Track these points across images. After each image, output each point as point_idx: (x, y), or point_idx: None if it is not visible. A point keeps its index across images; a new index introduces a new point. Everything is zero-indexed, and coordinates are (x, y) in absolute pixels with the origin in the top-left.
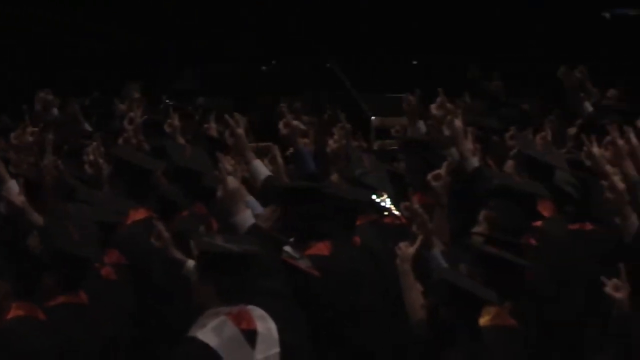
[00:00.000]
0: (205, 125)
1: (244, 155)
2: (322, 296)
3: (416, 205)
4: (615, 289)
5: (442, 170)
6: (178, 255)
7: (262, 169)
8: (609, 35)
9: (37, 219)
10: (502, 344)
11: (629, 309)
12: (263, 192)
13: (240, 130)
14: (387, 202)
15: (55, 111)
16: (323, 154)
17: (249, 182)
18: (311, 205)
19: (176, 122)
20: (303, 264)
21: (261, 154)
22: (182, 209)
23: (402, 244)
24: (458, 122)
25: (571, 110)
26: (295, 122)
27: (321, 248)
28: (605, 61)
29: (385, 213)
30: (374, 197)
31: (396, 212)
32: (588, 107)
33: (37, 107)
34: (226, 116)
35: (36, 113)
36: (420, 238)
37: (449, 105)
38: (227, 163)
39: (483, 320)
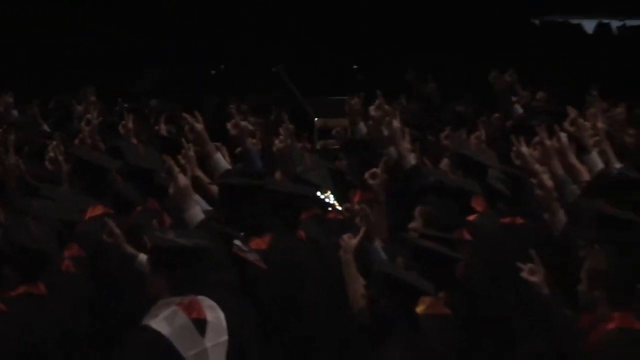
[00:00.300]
0: (156, 127)
1: (205, 150)
2: (265, 287)
3: (356, 204)
4: (530, 273)
5: (379, 169)
6: (129, 249)
7: (222, 162)
8: (539, 40)
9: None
10: (437, 331)
11: (546, 291)
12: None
13: (200, 126)
14: (330, 198)
15: (15, 113)
16: (269, 153)
17: (198, 180)
18: (252, 201)
19: (130, 123)
20: (252, 256)
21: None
22: (137, 205)
23: (345, 236)
24: (396, 123)
25: (502, 112)
26: (243, 123)
27: (259, 243)
28: (534, 65)
29: (329, 208)
30: (318, 193)
31: (339, 208)
32: (518, 109)
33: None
34: (184, 114)
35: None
36: (362, 231)
37: (387, 107)
38: (177, 161)
39: (419, 309)
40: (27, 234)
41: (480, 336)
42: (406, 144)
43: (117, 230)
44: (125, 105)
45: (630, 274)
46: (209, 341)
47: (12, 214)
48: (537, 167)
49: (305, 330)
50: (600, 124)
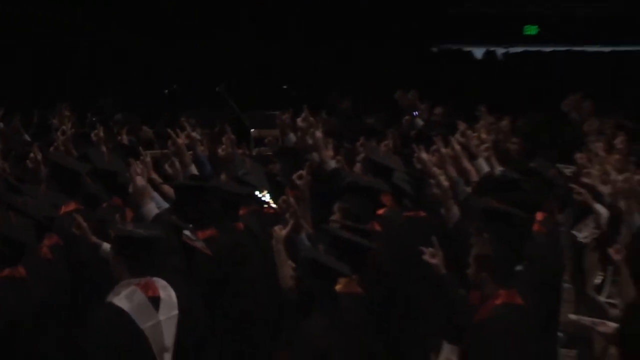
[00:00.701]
0: (119, 137)
1: (183, 160)
2: (209, 270)
3: (289, 198)
4: (431, 256)
5: (304, 171)
6: (95, 240)
7: (194, 172)
8: (436, 64)
9: None
10: (352, 306)
11: (443, 271)
12: None
13: (180, 141)
14: (266, 197)
15: (0, 125)
16: (215, 159)
17: (154, 181)
18: (201, 198)
19: (101, 133)
20: (199, 244)
21: (166, 158)
22: (103, 202)
23: (276, 228)
24: (318, 134)
25: (405, 125)
26: (193, 134)
27: (205, 233)
28: (432, 85)
29: (265, 205)
30: (256, 192)
31: (273, 204)
32: (419, 122)
33: None
34: (169, 131)
35: None
36: (291, 223)
37: (311, 119)
38: (137, 166)
39: (338, 288)
40: (8, 226)
41: (388, 311)
42: (328, 151)
43: (84, 224)
44: (94, 118)
45: (510, 258)
46: (162, 315)
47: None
48: (435, 170)
49: (243, 305)
50: (484, 135)
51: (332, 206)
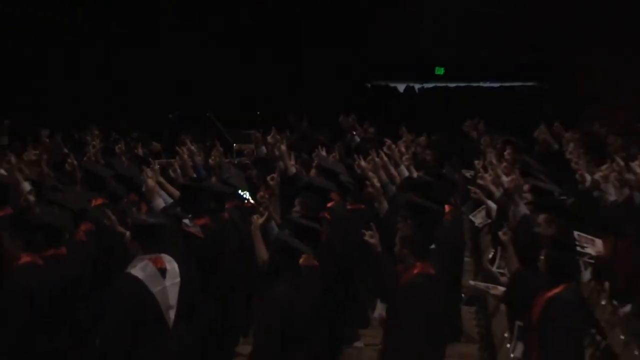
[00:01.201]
0: (135, 150)
1: (186, 171)
2: (202, 249)
3: (264, 196)
4: (370, 237)
5: (275, 175)
6: (120, 229)
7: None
8: (369, 96)
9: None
10: (310, 275)
11: (379, 249)
12: None
13: (185, 156)
14: (246, 194)
15: (47, 141)
16: (208, 166)
17: (161, 183)
18: (197, 196)
19: (122, 147)
20: (194, 230)
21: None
22: (123, 198)
23: (254, 217)
24: (283, 147)
25: (347, 140)
26: (192, 147)
27: (200, 221)
28: (367, 112)
29: (245, 200)
30: (239, 191)
31: (251, 200)
32: (357, 139)
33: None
34: (177, 148)
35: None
36: (265, 214)
37: (277, 137)
38: (148, 172)
39: (300, 262)
40: (53, 216)
41: (336, 278)
42: (290, 160)
43: (113, 216)
44: (117, 136)
45: (426, 239)
46: (167, 282)
47: (44, 203)
48: (370, 174)
49: (228, 275)
50: (404, 149)
51: (294, 201)
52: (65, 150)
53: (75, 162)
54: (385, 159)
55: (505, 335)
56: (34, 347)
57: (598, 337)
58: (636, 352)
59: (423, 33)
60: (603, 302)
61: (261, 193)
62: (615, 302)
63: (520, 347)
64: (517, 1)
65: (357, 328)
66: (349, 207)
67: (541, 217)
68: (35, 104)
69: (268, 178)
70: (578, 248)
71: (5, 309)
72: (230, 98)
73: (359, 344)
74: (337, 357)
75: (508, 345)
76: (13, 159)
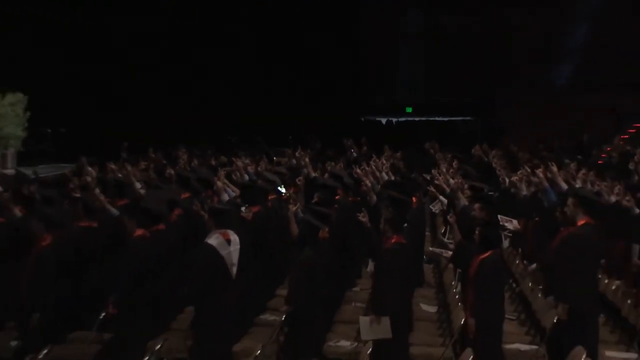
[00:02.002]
0: (210, 161)
1: (241, 174)
2: (251, 228)
3: (294, 192)
4: (363, 217)
5: (301, 178)
6: (201, 213)
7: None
8: (362, 128)
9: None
10: (322, 245)
11: (369, 227)
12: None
13: (241, 169)
14: (282, 190)
15: (152, 155)
16: (257, 172)
17: (226, 184)
18: (250, 191)
19: (201, 159)
20: (247, 214)
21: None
22: (202, 193)
23: (289, 206)
24: (306, 159)
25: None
26: (246, 161)
27: (253, 209)
28: (361, 137)
29: (282, 195)
30: (278, 188)
31: (285, 194)
32: (354, 154)
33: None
34: (233, 159)
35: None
36: (299, 204)
37: (302, 152)
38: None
39: (319, 235)
40: (154, 203)
41: (342, 246)
42: (310, 168)
43: (198, 205)
44: (197, 152)
45: (400, 220)
46: (231, 248)
47: (150, 196)
48: (363, 178)
49: (271, 244)
50: (384, 161)
51: (313, 195)
52: (164, 162)
53: (171, 170)
54: (373, 167)
55: (452, 282)
56: (143, 290)
57: (514, 285)
58: (539, 295)
59: (397, 85)
60: (517, 262)
61: (292, 190)
62: (525, 262)
63: (459, 287)
64: (458, 64)
65: (355, 278)
66: (350, 199)
67: (476, 206)
68: (143, 129)
69: (296, 180)
70: (500, 225)
71: (127, 265)
72: (272, 127)
73: (356, 288)
74: (342, 297)
75: (454, 290)
76: (129, 168)
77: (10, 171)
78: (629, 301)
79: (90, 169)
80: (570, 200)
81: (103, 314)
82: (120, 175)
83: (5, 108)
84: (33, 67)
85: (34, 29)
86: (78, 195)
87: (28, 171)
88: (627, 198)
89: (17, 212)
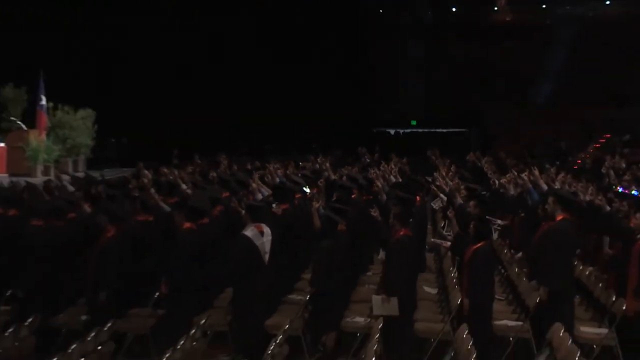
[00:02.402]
0: (246, 166)
1: (273, 177)
2: (280, 222)
3: (316, 192)
4: (374, 213)
5: (322, 180)
6: (239, 209)
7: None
8: (375, 138)
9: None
10: (342, 237)
11: (379, 219)
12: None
13: (273, 174)
14: (307, 190)
15: (198, 161)
16: (286, 176)
17: (259, 185)
18: (281, 191)
19: (239, 164)
20: (277, 210)
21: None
22: (239, 193)
23: (313, 203)
24: (327, 164)
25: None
26: (276, 165)
27: (282, 206)
28: (373, 145)
29: (306, 194)
30: (303, 188)
31: (309, 193)
32: (367, 160)
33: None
34: (266, 164)
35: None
36: (320, 202)
37: (323, 159)
38: (254, 181)
39: (338, 228)
40: (199, 201)
41: (357, 236)
42: (331, 172)
43: (236, 202)
44: (235, 158)
45: (407, 215)
46: (264, 239)
47: (196, 194)
48: (376, 180)
49: (296, 239)
50: (393, 166)
51: (333, 195)
52: (208, 166)
53: (213, 173)
54: (383, 171)
55: (450, 268)
56: (190, 274)
57: (502, 271)
58: (524, 279)
59: (404, 103)
60: (505, 251)
61: (314, 190)
62: (512, 251)
63: (456, 272)
64: (454, 85)
65: (368, 264)
66: (363, 198)
67: (471, 203)
68: (191, 139)
69: (318, 182)
70: (491, 221)
71: (177, 252)
72: (300, 137)
73: (369, 273)
74: (357, 280)
75: (452, 275)
76: (177, 172)
77: (81, 174)
78: (600, 284)
79: (146, 172)
80: (550, 199)
81: (157, 294)
82: (171, 177)
83: (78, 122)
84: (100, 87)
85: (99, 60)
86: (136, 194)
87: (96, 174)
88: (599, 197)
89: (87, 208)
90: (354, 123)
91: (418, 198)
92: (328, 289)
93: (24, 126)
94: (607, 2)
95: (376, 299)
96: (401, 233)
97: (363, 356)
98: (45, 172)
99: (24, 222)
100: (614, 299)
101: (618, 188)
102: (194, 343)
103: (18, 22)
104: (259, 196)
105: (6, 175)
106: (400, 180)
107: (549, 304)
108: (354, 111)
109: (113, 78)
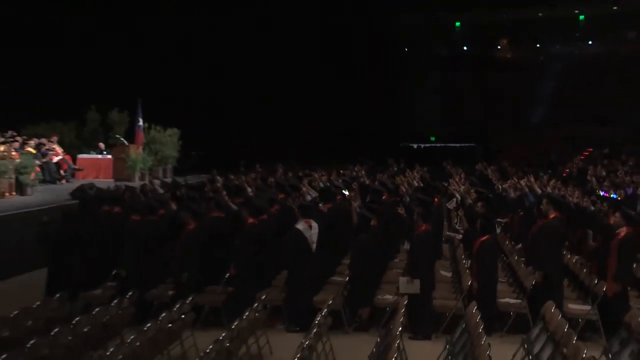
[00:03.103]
0: (298, 174)
1: (332, 182)
2: (324, 218)
3: (353, 194)
4: (400, 210)
5: (357, 183)
6: (293, 207)
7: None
8: (401, 152)
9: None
10: (374, 230)
11: (405, 215)
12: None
13: (318, 177)
14: (345, 192)
15: (259, 169)
16: (329, 181)
17: (307, 188)
18: (326, 192)
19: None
20: (323, 208)
21: (312, 181)
22: (292, 195)
23: (352, 202)
24: (363, 172)
25: (390, 170)
26: (322, 173)
27: (327, 205)
28: (399, 157)
29: (345, 195)
30: (342, 191)
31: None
32: (394, 169)
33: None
34: (312, 172)
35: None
36: (357, 202)
37: (359, 167)
38: (304, 186)
39: (371, 223)
40: (261, 201)
41: (385, 230)
42: (366, 178)
43: (291, 203)
44: (287, 167)
45: (427, 213)
46: (313, 231)
47: (257, 196)
48: (401, 185)
49: (338, 230)
50: (415, 174)
51: (367, 196)
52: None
53: (272, 179)
54: (408, 178)
55: (462, 257)
56: (254, 259)
57: (505, 258)
58: (522, 265)
59: (424, 122)
60: (507, 243)
61: (352, 192)
62: (512, 243)
63: (467, 260)
64: (465, 108)
65: (395, 253)
66: (392, 199)
67: (479, 204)
68: (254, 151)
69: (353, 185)
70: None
71: (243, 241)
72: (342, 149)
73: (396, 260)
74: (387, 266)
75: (463, 262)
76: (243, 178)
77: (168, 180)
78: (585, 270)
79: (219, 178)
80: (544, 201)
81: (227, 274)
82: (238, 182)
83: (166, 138)
84: (185, 111)
85: (184, 90)
86: (211, 195)
87: (180, 180)
88: (584, 200)
89: (173, 206)
90: (384, 139)
91: (436, 199)
92: (363, 272)
93: (125, 142)
94: (590, 43)
95: (402, 280)
96: (422, 228)
97: (391, 326)
98: (142, 177)
99: (125, 217)
100: (595, 282)
101: (599, 192)
102: (256, 314)
103: (121, 59)
104: (308, 197)
105: (112, 180)
106: (421, 185)
107: (542, 286)
108: (384, 129)
109: (193, 103)
